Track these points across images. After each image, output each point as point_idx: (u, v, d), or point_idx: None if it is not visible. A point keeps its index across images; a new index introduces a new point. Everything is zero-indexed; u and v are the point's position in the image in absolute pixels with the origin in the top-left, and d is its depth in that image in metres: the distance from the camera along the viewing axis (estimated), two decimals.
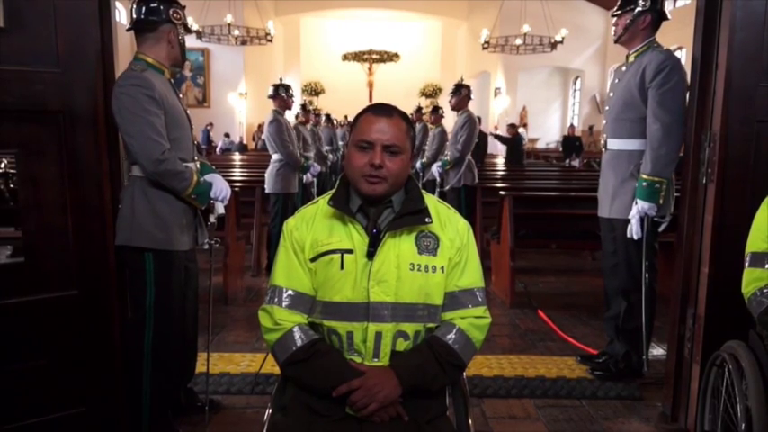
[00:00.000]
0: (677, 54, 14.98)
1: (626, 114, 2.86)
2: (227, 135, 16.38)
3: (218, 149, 15.55)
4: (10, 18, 1.92)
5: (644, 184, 2.72)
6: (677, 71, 2.71)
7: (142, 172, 2.19)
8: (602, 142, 3.07)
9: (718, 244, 2.35)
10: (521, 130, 15.85)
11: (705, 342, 2.40)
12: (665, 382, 2.74)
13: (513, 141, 11.21)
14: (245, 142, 17.25)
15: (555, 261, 6.03)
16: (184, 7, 2.33)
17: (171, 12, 2.24)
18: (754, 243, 1.89)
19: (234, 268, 4.54)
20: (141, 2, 2.24)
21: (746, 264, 1.89)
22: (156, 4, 2.24)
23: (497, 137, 11.86)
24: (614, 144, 2.94)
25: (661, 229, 2.84)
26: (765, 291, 1.80)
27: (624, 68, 2.93)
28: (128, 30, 2.31)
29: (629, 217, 2.80)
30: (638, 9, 2.81)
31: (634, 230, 2.77)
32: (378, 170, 1.43)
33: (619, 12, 2.89)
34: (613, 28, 2.97)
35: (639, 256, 2.83)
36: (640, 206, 2.73)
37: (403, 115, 1.51)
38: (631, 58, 2.88)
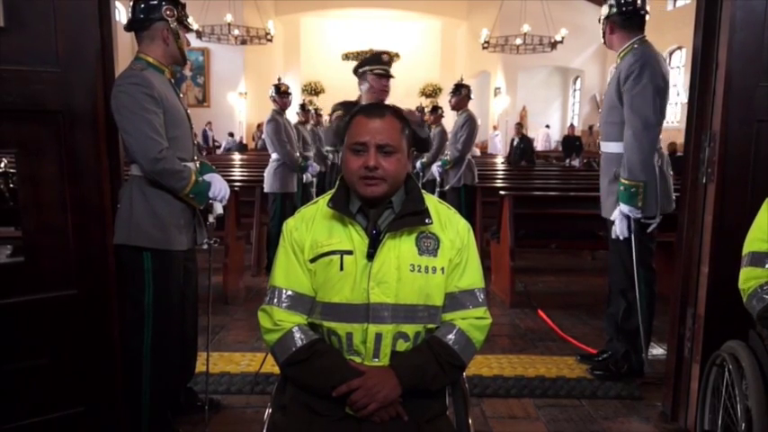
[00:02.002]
0: (677, 54, 15.00)
1: (611, 118, 2.90)
2: (230, 134, 16.38)
3: (222, 148, 15.56)
4: (10, 17, 1.92)
5: (621, 187, 2.77)
6: (645, 72, 2.70)
7: (140, 171, 2.19)
8: (597, 143, 3.10)
9: (717, 244, 2.34)
10: (548, 130, 15.89)
11: (705, 342, 2.40)
12: (664, 381, 2.74)
13: (523, 142, 11.21)
14: (244, 142, 17.25)
15: (555, 261, 6.02)
16: (183, 5, 2.31)
17: (163, 9, 2.22)
18: (753, 243, 1.88)
19: (234, 268, 4.54)
20: (135, 1, 2.24)
21: (745, 263, 1.89)
22: (147, 3, 2.22)
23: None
24: (604, 147, 3.00)
25: (649, 230, 2.84)
26: (766, 288, 1.80)
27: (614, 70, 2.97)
28: (125, 30, 2.30)
29: (612, 218, 2.86)
30: (604, 15, 2.90)
31: (618, 231, 2.82)
32: (373, 171, 1.42)
33: (600, 20, 2.98)
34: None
35: (632, 257, 2.85)
36: (621, 208, 2.78)
37: (396, 113, 1.50)
38: (618, 61, 2.91)
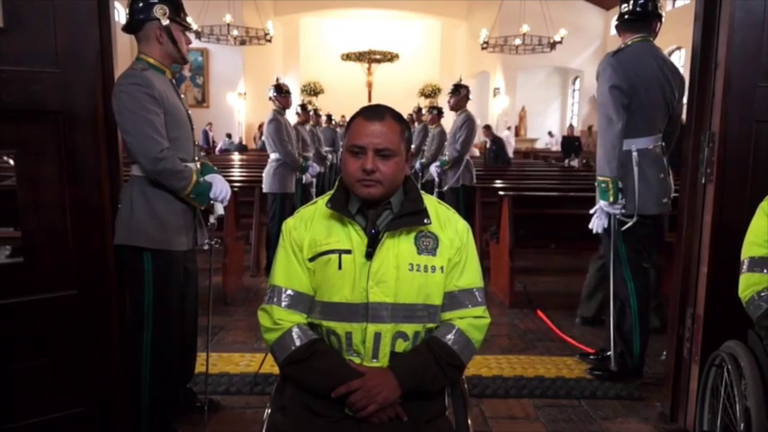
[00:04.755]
0: (676, 54, 15.01)
1: None
2: (228, 135, 16.39)
3: (217, 149, 15.55)
4: (9, 18, 1.92)
5: (596, 183, 2.89)
6: (606, 72, 2.81)
7: (141, 171, 2.19)
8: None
9: (717, 244, 2.35)
10: (506, 132, 15.86)
11: (704, 342, 2.40)
12: (664, 382, 2.74)
13: (495, 144, 11.07)
14: (244, 143, 17.24)
15: (554, 261, 6.02)
16: (179, 4, 2.28)
17: (155, 9, 2.20)
18: (751, 248, 1.89)
19: (233, 268, 4.54)
20: (131, 3, 2.23)
21: (744, 269, 1.89)
22: (139, 4, 2.21)
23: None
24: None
25: (623, 228, 2.86)
26: (763, 294, 1.80)
27: None
28: (123, 31, 2.30)
29: (590, 212, 2.95)
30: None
31: (591, 224, 2.93)
32: (370, 175, 1.43)
33: None
34: None
35: (617, 257, 2.91)
36: (600, 203, 2.87)
37: (396, 116, 1.50)
38: None
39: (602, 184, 2.82)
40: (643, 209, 2.83)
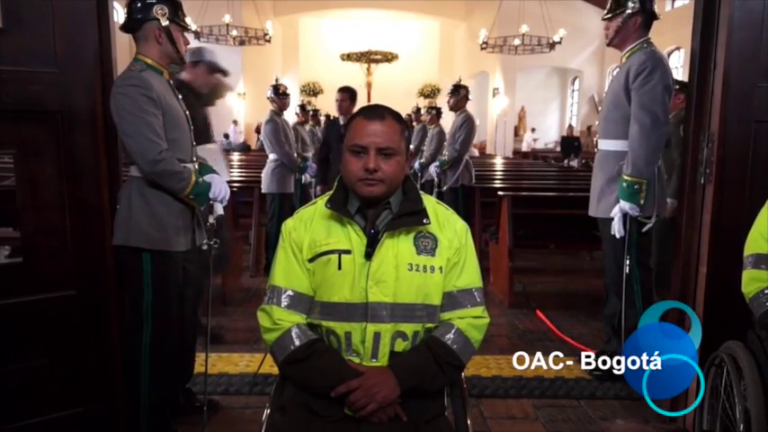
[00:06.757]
0: (675, 54, 15.02)
1: (613, 115, 2.90)
2: (226, 136, 16.34)
3: None
4: (8, 18, 1.92)
5: (624, 184, 2.76)
6: (657, 71, 2.72)
7: (140, 172, 2.19)
8: (595, 142, 3.09)
9: (716, 244, 2.35)
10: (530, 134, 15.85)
11: (703, 342, 2.39)
12: None
13: None
14: (242, 141, 17.20)
15: (553, 261, 6.03)
16: (178, 4, 2.27)
17: (154, 9, 2.19)
18: (755, 244, 1.88)
19: (232, 268, 4.54)
20: (129, 2, 2.23)
21: (748, 266, 1.87)
22: (138, 4, 2.20)
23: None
24: (603, 144, 2.99)
25: (644, 229, 2.83)
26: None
27: (618, 69, 2.96)
28: (120, 30, 2.29)
29: (611, 215, 2.85)
30: (629, 11, 2.81)
31: (616, 229, 2.81)
32: (372, 174, 1.43)
33: (609, 15, 2.89)
34: (605, 31, 2.96)
35: (628, 256, 2.86)
36: (621, 205, 2.78)
37: (396, 116, 1.50)
38: (624, 59, 2.91)
39: (635, 185, 2.72)
40: (660, 209, 2.82)
